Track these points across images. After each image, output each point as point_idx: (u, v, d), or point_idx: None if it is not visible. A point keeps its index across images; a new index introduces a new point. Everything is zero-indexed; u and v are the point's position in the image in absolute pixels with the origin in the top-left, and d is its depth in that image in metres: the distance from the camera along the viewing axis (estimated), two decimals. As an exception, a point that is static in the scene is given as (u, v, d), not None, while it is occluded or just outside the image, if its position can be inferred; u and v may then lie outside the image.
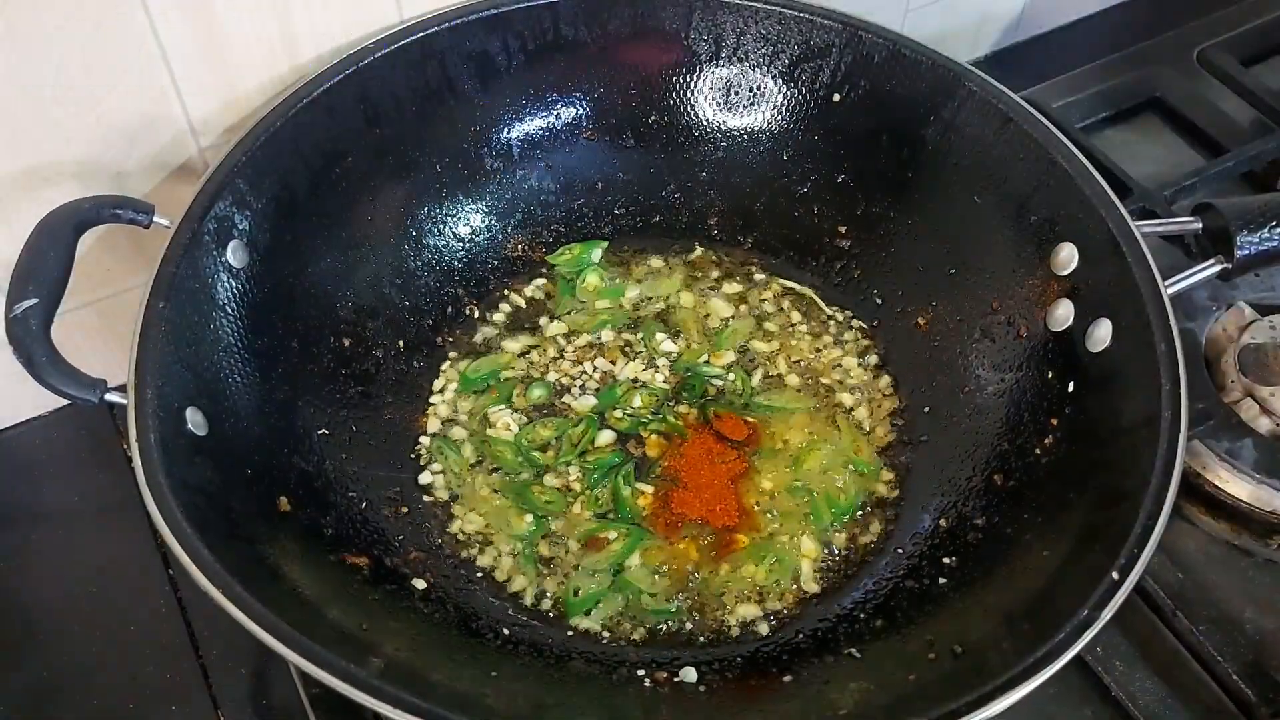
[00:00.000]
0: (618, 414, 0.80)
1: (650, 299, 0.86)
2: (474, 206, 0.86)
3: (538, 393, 0.81)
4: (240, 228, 0.71)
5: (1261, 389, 0.79)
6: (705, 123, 0.87)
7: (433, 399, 0.81)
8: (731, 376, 0.82)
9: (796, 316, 0.85)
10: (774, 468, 0.78)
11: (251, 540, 0.62)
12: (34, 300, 0.62)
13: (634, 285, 0.87)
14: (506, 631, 0.70)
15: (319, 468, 0.73)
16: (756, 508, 0.76)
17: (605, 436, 0.79)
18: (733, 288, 0.87)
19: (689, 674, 0.68)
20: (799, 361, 0.83)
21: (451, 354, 0.83)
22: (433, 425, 0.80)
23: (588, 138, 0.86)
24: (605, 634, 0.71)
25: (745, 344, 0.84)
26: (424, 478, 0.77)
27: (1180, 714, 0.70)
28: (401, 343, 0.82)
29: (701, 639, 0.71)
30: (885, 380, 0.82)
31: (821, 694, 0.65)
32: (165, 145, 0.75)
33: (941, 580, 0.70)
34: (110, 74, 0.69)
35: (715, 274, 0.88)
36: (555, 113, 0.85)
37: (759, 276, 0.87)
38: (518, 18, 0.80)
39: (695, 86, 0.86)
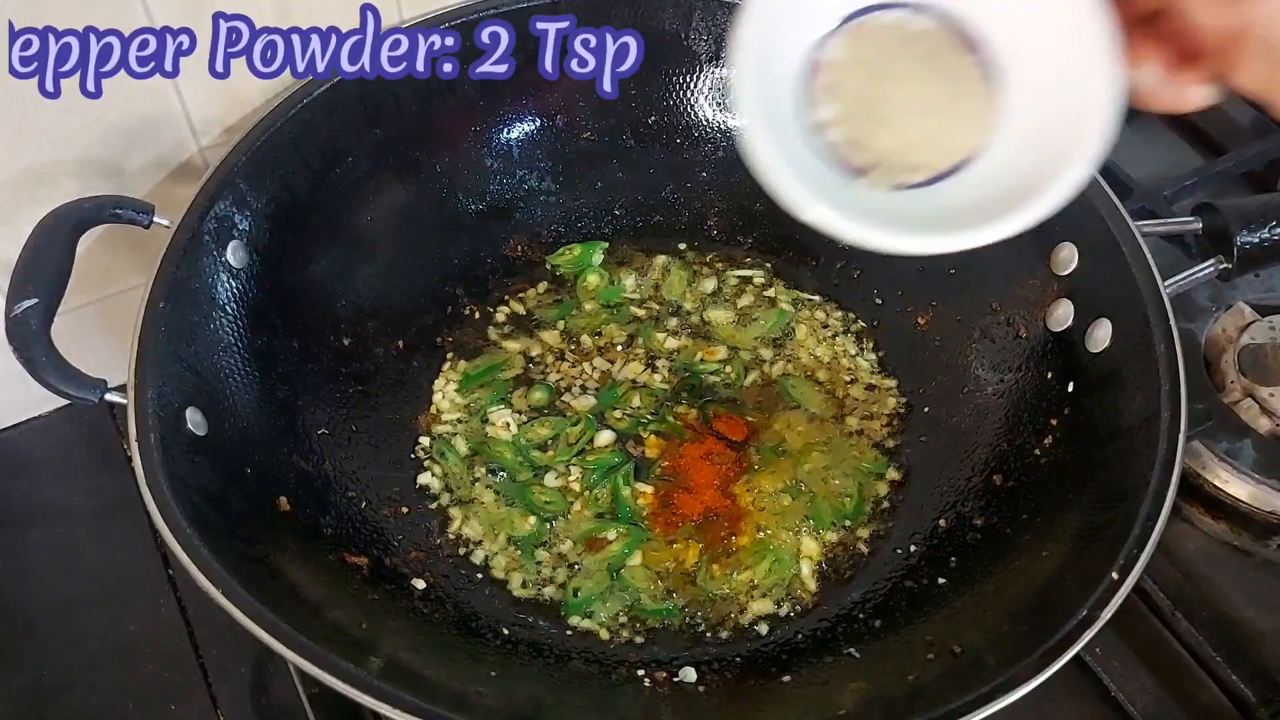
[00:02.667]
0: (617, 414, 0.80)
1: (650, 299, 0.86)
2: (474, 206, 0.86)
3: (539, 395, 0.81)
4: (240, 228, 0.71)
5: (1261, 389, 0.79)
6: (705, 123, 0.87)
7: (433, 399, 0.81)
8: (729, 370, 0.82)
9: (796, 316, 0.85)
10: (774, 468, 0.78)
11: (251, 540, 0.62)
12: (34, 300, 0.62)
13: (634, 285, 0.87)
14: (506, 631, 0.70)
15: (319, 467, 0.73)
16: (756, 508, 0.76)
17: (605, 437, 0.79)
18: (732, 288, 0.87)
19: (688, 674, 0.68)
20: (799, 361, 0.83)
21: (451, 354, 0.83)
22: (433, 425, 0.80)
23: (588, 138, 0.86)
24: (605, 634, 0.71)
25: (743, 344, 0.84)
26: (424, 478, 0.77)
27: (1179, 714, 0.70)
28: (401, 342, 0.82)
29: (701, 639, 0.71)
30: (885, 380, 0.82)
31: (821, 694, 0.65)
32: (165, 145, 0.75)
33: (941, 580, 0.70)
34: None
35: (715, 274, 0.88)
36: (555, 113, 0.85)
37: (759, 277, 0.87)
38: (515, 17, 0.80)
39: (695, 86, 0.86)
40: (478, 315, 0.85)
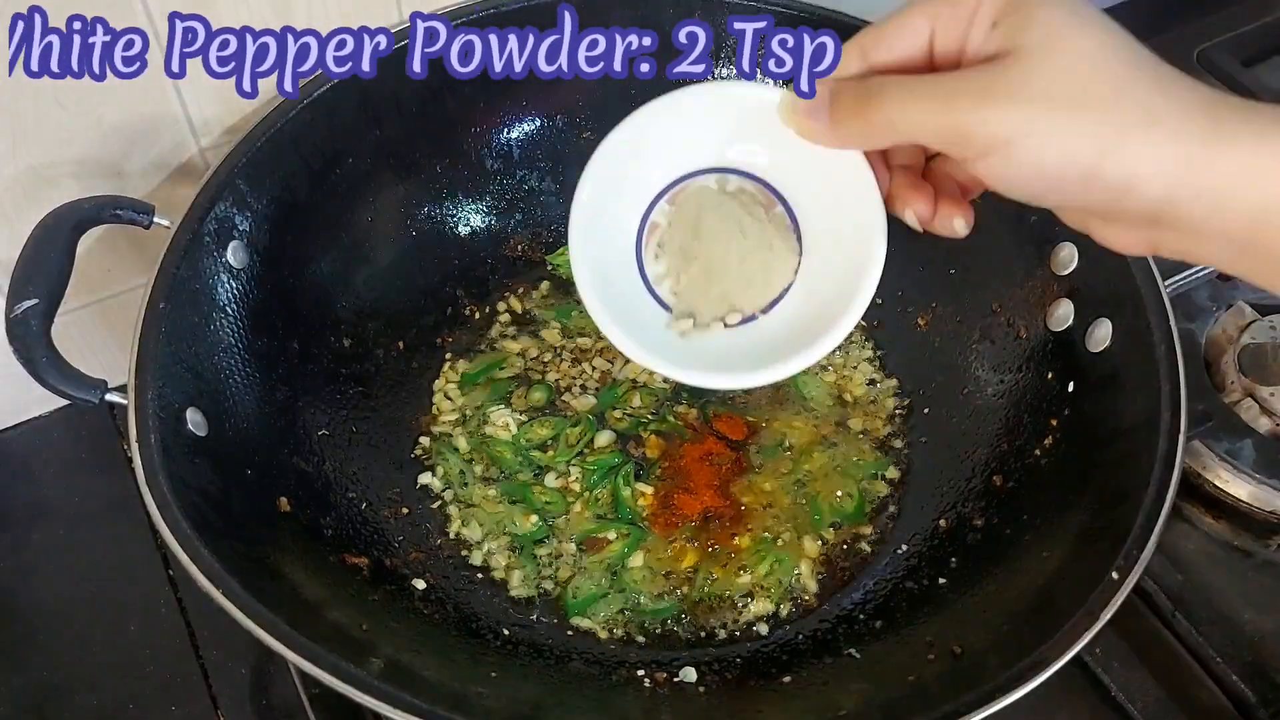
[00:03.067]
0: (617, 414, 0.80)
1: (650, 299, 0.86)
2: (474, 206, 0.86)
3: (539, 395, 0.81)
4: (240, 228, 0.71)
5: (1261, 389, 0.79)
6: (705, 123, 0.87)
7: (433, 399, 0.81)
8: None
9: (796, 317, 0.85)
10: (774, 468, 0.78)
11: (251, 540, 0.62)
12: (34, 300, 0.62)
13: (634, 285, 0.87)
14: (506, 632, 0.70)
15: (319, 468, 0.73)
16: (756, 508, 0.76)
17: (605, 437, 0.79)
18: (733, 288, 0.87)
19: (689, 674, 0.68)
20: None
21: (451, 354, 0.83)
22: (433, 425, 0.80)
23: (588, 137, 0.86)
24: (605, 634, 0.71)
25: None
26: (424, 478, 0.77)
27: (1179, 714, 0.69)
28: (401, 343, 0.82)
29: (701, 639, 0.71)
30: (885, 381, 0.82)
31: (821, 694, 0.65)
32: (165, 145, 0.75)
33: (941, 581, 0.70)
34: (110, 74, 0.69)
35: (715, 274, 0.88)
36: (555, 113, 0.85)
37: (759, 277, 0.87)
38: (518, 17, 0.80)
39: (695, 86, 0.85)
40: (478, 315, 0.85)
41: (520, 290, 0.86)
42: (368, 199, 0.80)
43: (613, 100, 0.84)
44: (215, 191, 0.69)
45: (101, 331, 0.81)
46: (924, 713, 0.54)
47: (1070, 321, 0.72)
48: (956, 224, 0.50)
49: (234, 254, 0.70)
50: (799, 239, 0.56)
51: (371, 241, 0.81)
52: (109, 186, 0.74)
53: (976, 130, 0.42)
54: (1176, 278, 0.84)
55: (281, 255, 0.74)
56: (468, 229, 0.86)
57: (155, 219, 0.68)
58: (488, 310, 0.85)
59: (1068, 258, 0.72)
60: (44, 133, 0.70)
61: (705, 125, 0.55)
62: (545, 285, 0.87)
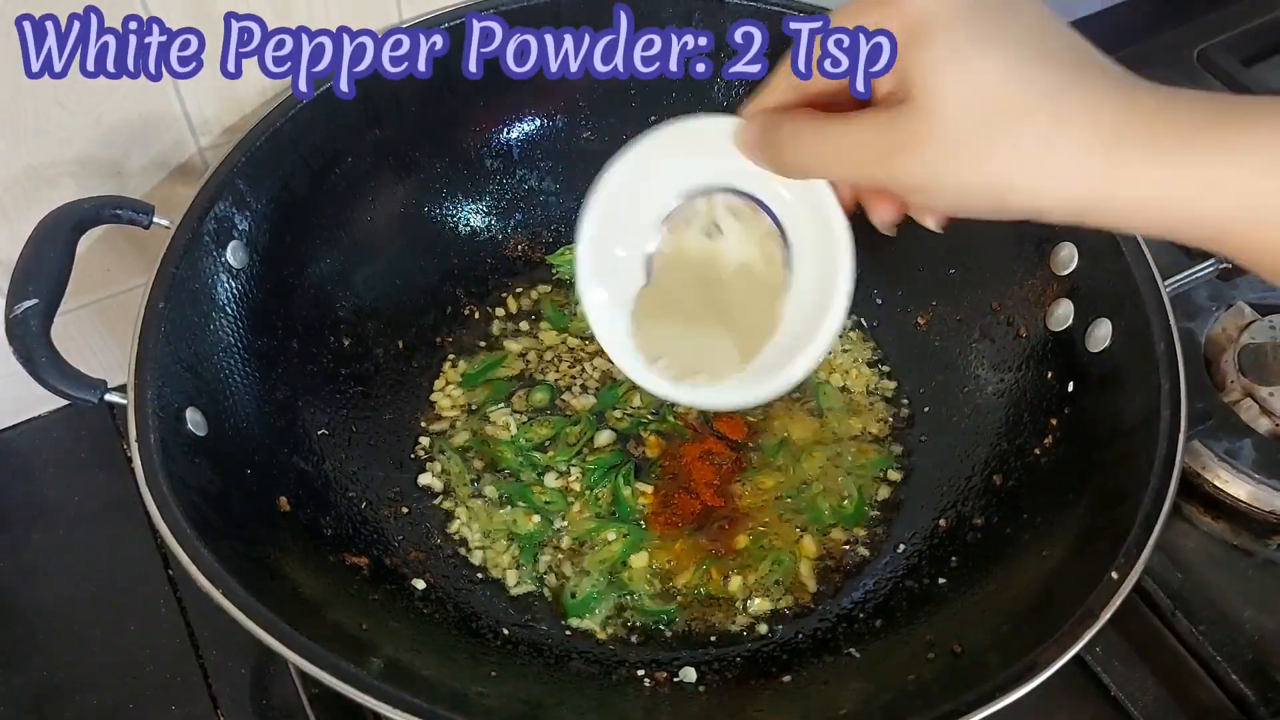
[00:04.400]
0: (617, 414, 0.80)
1: (650, 299, 0.86)
2: (474, 206, 0.86)
3: (539, 395, 0.81)
4: (240, 228, 0.71)
5: (1261, 389, 0.79)
6: (705, 122, 0.87)
7: (433, 399, 0.81)
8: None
9: (796, 316, 0.85)
10: (774, 468, 0.78)
11: (251, 540, 0.62)
12: (34, 300, 0.62)
13: (634, 285, 0.87)
14: (506, 631, 0.70)
15: (319, 468, 0.73)
16: (756, 507, 0.76)
17: (605, 436, 0.79)
18: (732, 288, 0.87)
19: (689, 674, 0.68)
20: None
21: (451, 354, 0.83)
22: (433, 425, 0.80)
23: (588, 137, 0.86)
24: (604, 634, 0.71)
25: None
26: (424, 478, 0.77)
27: (1180, 713, 0.70)
28: (401, 343, 0.82)
29: (701, 639, 0.71)
30: (885, 380, 0.82)
31: (822, 694, 0.65)
32: (165, 145, 0.75)
33: (941, 580, 0.70)
34: (110, 74, 0.69)
35: (715, 274, 0.88)
36: (555, 113, 0.85)
37: (759, 276, 0.87)
38: (518, 18, 0.80)
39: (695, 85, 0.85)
40: (478, 315, 0.85)
41: (520, 290, 0.86)
42: (368, 199, 0.80)
43: (612, 100, 0.85)
44: (215, 191, 0.69)
45: (101, 331, 0.81)
46: (924, 712, 0.54)
47: (1070, 321, 0.72)
48: (928, 222, 0.51)
49: (233, 254, 0.70)
50: (789, 251, 0.58)
51: (371, 241, 0.81)
52: (109, 186, 0.74)
53: (887, 183, 0.45)
54: (1177, 277, 0.84)
55: (281, 255, 0.74)
56: (468, 229, 0.86)
57: (155, 219, 0.68)
58: (488, 310, 0.85)
59: (1067, 257, 0.72)
60: (44, 133, 0.70)
61: (682, 160, 0.57)
62: (545, 285, 0.87)
